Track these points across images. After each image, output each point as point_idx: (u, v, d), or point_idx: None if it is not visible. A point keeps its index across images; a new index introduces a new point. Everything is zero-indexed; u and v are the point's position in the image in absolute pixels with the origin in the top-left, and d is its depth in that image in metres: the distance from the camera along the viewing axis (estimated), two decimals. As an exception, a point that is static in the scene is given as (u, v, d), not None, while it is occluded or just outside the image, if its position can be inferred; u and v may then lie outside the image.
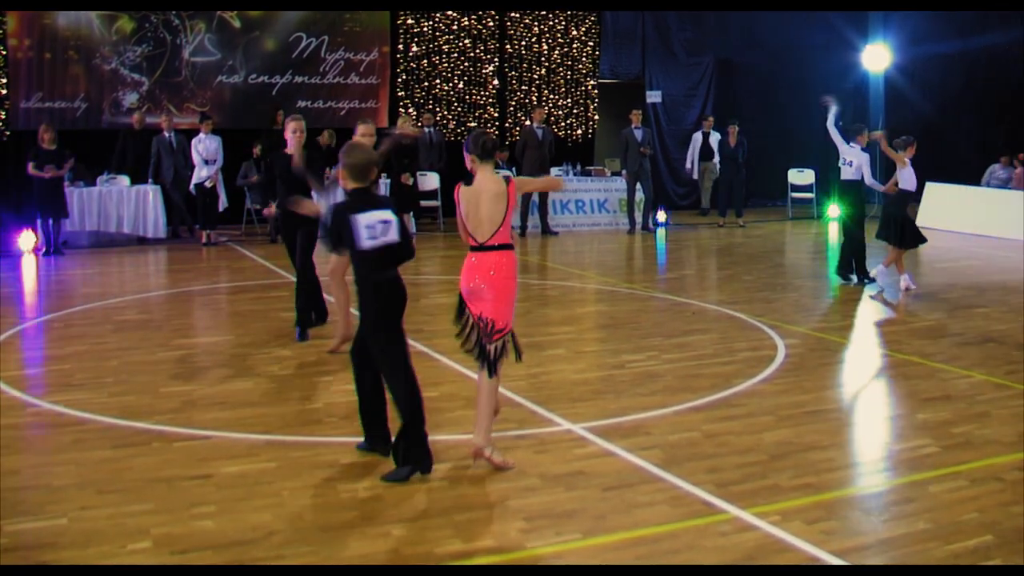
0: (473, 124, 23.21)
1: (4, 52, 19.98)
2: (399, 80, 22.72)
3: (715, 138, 22.99)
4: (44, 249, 17.09)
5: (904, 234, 13.31)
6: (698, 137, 23.52)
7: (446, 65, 23.05)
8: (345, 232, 6.43)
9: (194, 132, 18.90)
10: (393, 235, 6.52)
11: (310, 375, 9.12)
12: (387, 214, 6.53)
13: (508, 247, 6.84)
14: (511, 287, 6.84)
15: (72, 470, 6.62)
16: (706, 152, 23.35)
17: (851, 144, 13.96)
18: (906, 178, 13.24)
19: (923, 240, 13.66)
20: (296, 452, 6.98)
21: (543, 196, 20.47)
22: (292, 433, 7.30)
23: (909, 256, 14.74)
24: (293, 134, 10.04)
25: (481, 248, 6.78)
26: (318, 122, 20.49)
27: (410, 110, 22.44)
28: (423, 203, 19.86)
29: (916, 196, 15.15)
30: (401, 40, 22.69)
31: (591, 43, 24.40)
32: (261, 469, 6.65)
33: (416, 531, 5.65)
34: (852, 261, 14.02)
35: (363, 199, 6.58)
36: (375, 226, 6.45)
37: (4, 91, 20.04)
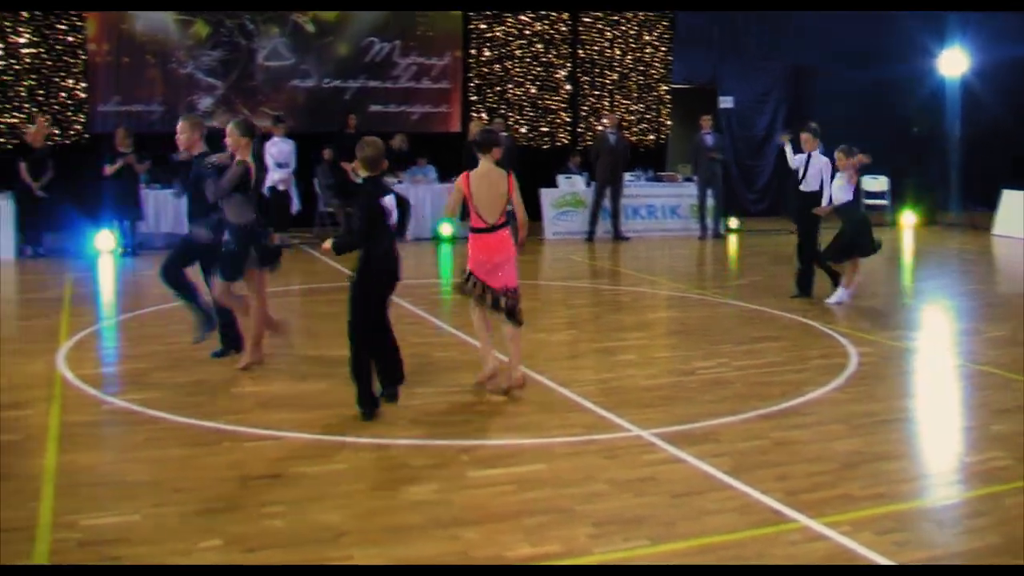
0: (545, 129, 23.24)
1: (84, 57, 20.35)
2: (471, 84, 22.81)
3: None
4: (120, 250, 17.35)
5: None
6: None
7: (518, 70, 23.11)
8: (377, 212, 7.72)
9: (268, 136, 19.09)
10: (395, 214, 7.85)
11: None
12: (391, 198, 7.83)
13: (508, 224, 8.52)
14: (516, 255, 8.60)
15: (146, 467, 6.72)
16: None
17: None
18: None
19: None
20: (366, 454, 7.02)
21: (615, 201, 20.43)
22: (362, 435, 7.34)
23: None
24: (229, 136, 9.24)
25: (492, 228, 8.38)
26: (391, 126, 20.64)
27: (482, 115, 22.50)
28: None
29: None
30: (473, 45, 22.78)
31: (663, 48, 24.32)
32: (331, 470, 6.69)
33: (485, 534, 5.66)
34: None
35: (378, 185, 7.85)
36: (391, 206, 7.79)
37: (84, 95, 20.40)
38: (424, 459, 6.91)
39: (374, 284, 7.95)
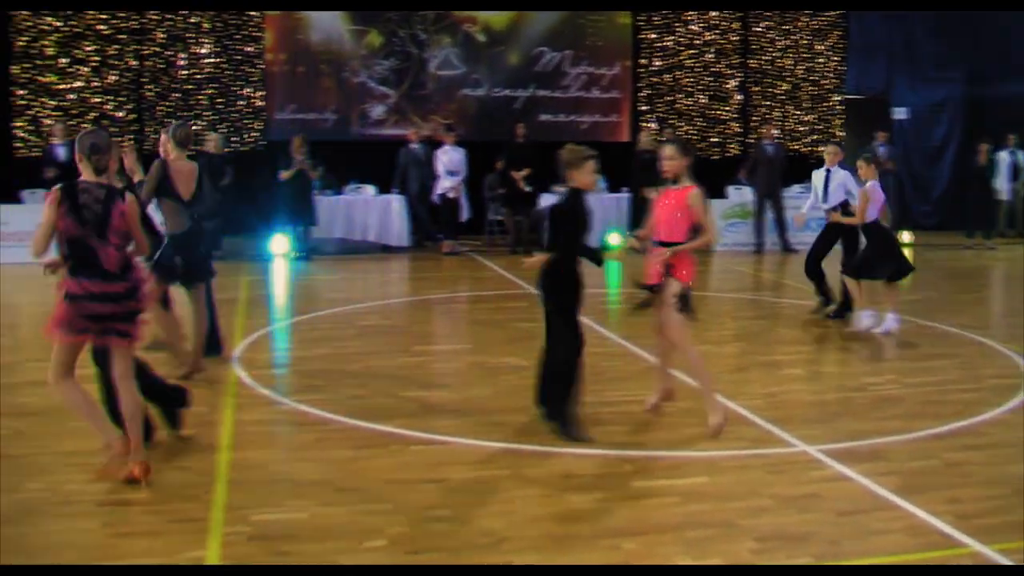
0: (715, 139, 23.04)
1: (262, 66, 20.99)
2: (641, 94, 22.76)
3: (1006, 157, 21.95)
4: (294, 254, 17.81)
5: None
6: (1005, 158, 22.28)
7: (689, 79, 22.97)
8: (582, 220, 7.45)
9: (438, 144, 19.35)
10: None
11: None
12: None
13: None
14: None
15: (314, 467, 6.88)
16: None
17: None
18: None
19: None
20: (529, 461, 7.05)
21: (777, 213, 20.06)
22: (526, 442, 7.37)
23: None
24: (162, 146, 8.84)
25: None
26: (560, 136, 20.68)
27: (651, 124, 22.43)
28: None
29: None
30: (644, 54, 22.73)
31: (836, 57, 23.87)
32: (494, 476, 6.75)
33: (646, 545, 5.63)
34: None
35: (579, 194, 7.50)
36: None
37: (261, 103, 21.03)
38: (588, 468, 6.90)
39: (577, 298, 7.57)
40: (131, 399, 6.56)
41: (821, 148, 22.98)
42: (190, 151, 9.59)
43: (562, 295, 7.49)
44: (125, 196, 6.42)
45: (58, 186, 6.35)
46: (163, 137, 9.26)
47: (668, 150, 7.79)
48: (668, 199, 7.71)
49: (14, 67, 20.33)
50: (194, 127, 20.40)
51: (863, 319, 11.63)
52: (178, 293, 9.53)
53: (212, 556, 5.40)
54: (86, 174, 6.37)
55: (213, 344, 9.87)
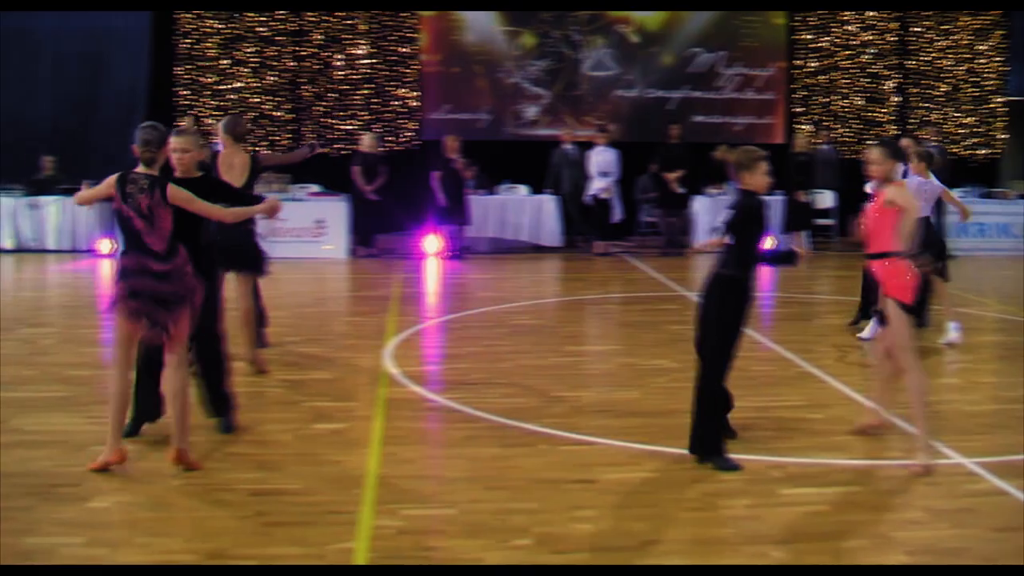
0: (871, 142, 22.51)
1: (417, 67, 21.29)
2: (796, 96, 22.42)
3: None
4: (446, 253, 18.01)
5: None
6: None
7: (845, 81, 22.52)
8: (760, 226, 6.92)
9: (591, 145, 19.35)
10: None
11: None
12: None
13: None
14: None
15: (463, 464, 6.96)
16: None
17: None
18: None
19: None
20: (678, 464, 7.00)
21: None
22: (675, 445, 7.31)
23: None
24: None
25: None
26: (714, 138, 20.48)
27: (806, 127, 22.08)
28: (817, 221, 19.51)
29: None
30: (799, 55, 22.38)
31: (998, 57, 23.13)
32: (642, 478, 6.73)
33: (794, 553, 5.54)
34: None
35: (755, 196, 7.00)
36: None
37: (416, 103, 21.33)
38: (736, 473, 6.81)
39: (744, 314, 6.97)
40: (174, 386, 6.74)
41: (981, 152, 22.49)
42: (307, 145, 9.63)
43: (729, 309, 6.89)
44: (164, 186, 6.62)
45: (116, 174, 6.70)
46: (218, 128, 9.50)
47: (875, 153, 7.40)
48: (874, 205, 7.27)
49: (178, 68, 21.04)
50: (349, 127, 20.86)
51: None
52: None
53: (360, 549, 5.50)
54: (140, 165, 6.70)
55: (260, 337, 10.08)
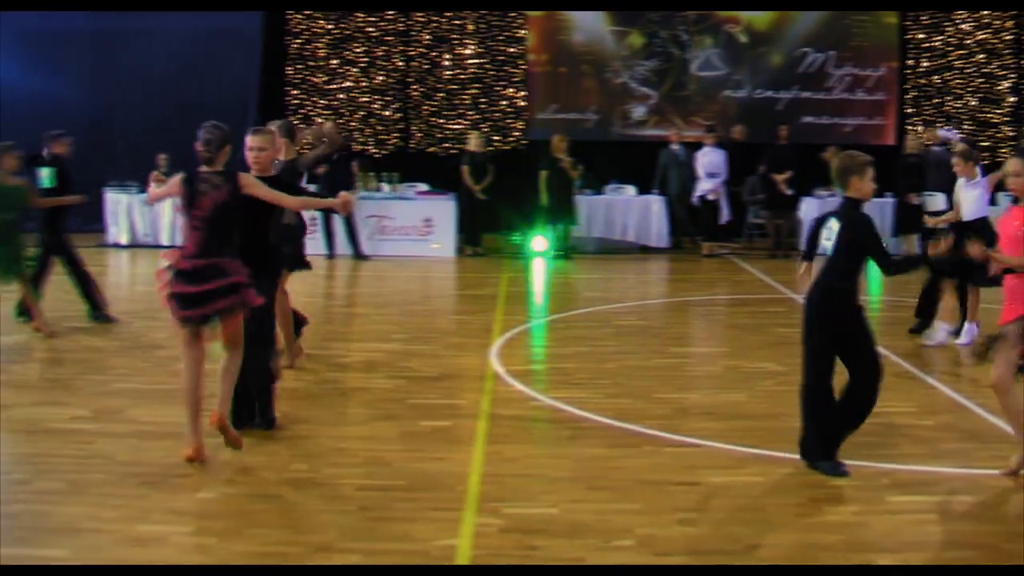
0: (985, 143, 22.04)
1: (524, 66, 21.36)
2: (908, 96, 22.00)
3: None
4: (553, 253, 18.02)
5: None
6: None
7: (958, 81, 22.02)
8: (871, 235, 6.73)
9: (699, 145, 19.21)
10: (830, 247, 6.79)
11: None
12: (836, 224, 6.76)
13: None
14: None
15: (567, 464, 6.97)
16: None
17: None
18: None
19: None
20: (784, 469, 6.93)
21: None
22: (781, 449, 7.24)
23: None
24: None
25: None
26: (823, 139, 20.21)
27: (918, 127, 21.66)
28: (932, 224, 19.11)
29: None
30: (911, 55, 21.95)
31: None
32: (747, 482, 6.67)
33: (901, 562, 5.45)
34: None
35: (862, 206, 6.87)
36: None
37: (523, 103, 21.40)
38: (843, 479, 6.72)
39: (848, 322, 6.82)
40: (229, 362, 6.90)
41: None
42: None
43: (832, 319, 6.76)
44: (236, 178, 6.71)
45: (181, 174, 6.83)
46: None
47: (1015, 164, 6.85)
48: (1012, 219, 6.79)
49: (288, 68, 21.37)
50: (457, 126, 21.02)
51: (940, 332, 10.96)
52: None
53: (464, 546, 5.54)
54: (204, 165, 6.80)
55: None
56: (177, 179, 6.83)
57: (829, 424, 6.88)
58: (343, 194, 7.72)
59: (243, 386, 7.24)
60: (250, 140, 7.16)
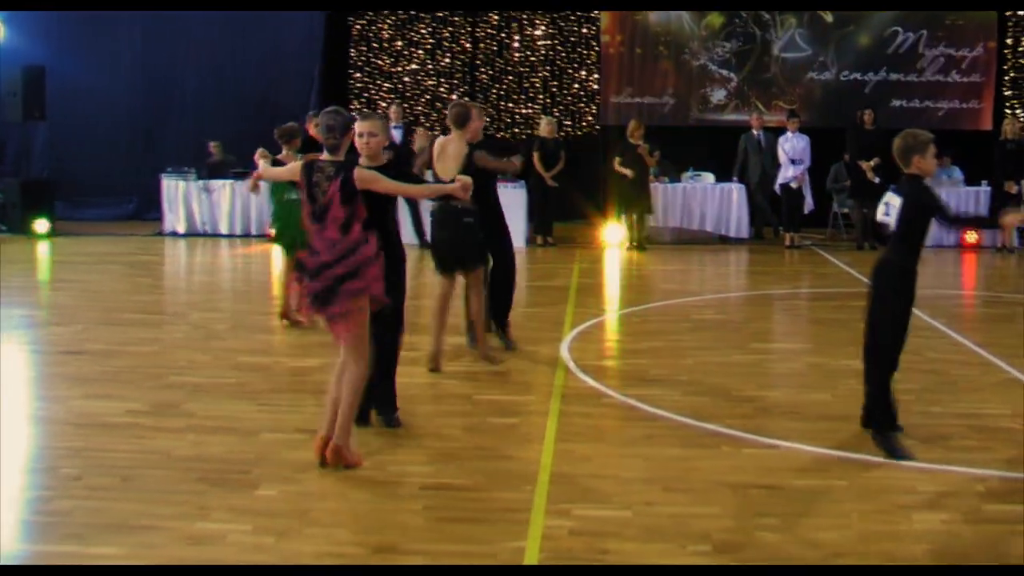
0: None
1: (597, 48, 21.28)
2: (1006, 78, 21.64)
3: None
4: (628, 243, 17.96)
5: None
6: None
7: (1063, 61, 21.64)
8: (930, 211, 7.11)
9: (781, 130, 19.04)
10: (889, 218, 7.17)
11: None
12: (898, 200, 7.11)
13: None
14: None
15: (641, 464, 6.94)
16: None
17: None
18: None
19: None
20: (870, 473, 6.86)
21: None
22: (867, 452, 7.17)
23: None
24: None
25: None
26: (914, 123, 19.83)
27: (1017, 111, 21.31)
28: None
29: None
30: (1010, 34, 21.56)
31: None
32: (831, 486, 6.60)
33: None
34: None
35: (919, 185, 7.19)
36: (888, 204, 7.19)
37: (596, 86, 21.34)
38: (934, 485, 6.65)
39: (911, 304, 7.24)
40: (350, 380, 6.77)
41: None
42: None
43: (900, 297, 7.19)
44: (350, 171, 6.68)
45: (302, 162, 6.86)
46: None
47: None
48: None
49: (352, 50, 21.46)
50: (527, 111, 20.99)
51: None
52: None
53: (532, 549, 5.54)
54: (325, 152, 6.82)
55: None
56: (298, 165, 6.88)
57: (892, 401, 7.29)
58: (460, 177, 7.70)
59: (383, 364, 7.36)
60: (360, 125, 7.12)
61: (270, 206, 11.39)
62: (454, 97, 21.43)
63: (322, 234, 6.65)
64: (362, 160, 7.13)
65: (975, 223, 7.71)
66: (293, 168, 6.96)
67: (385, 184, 6.83)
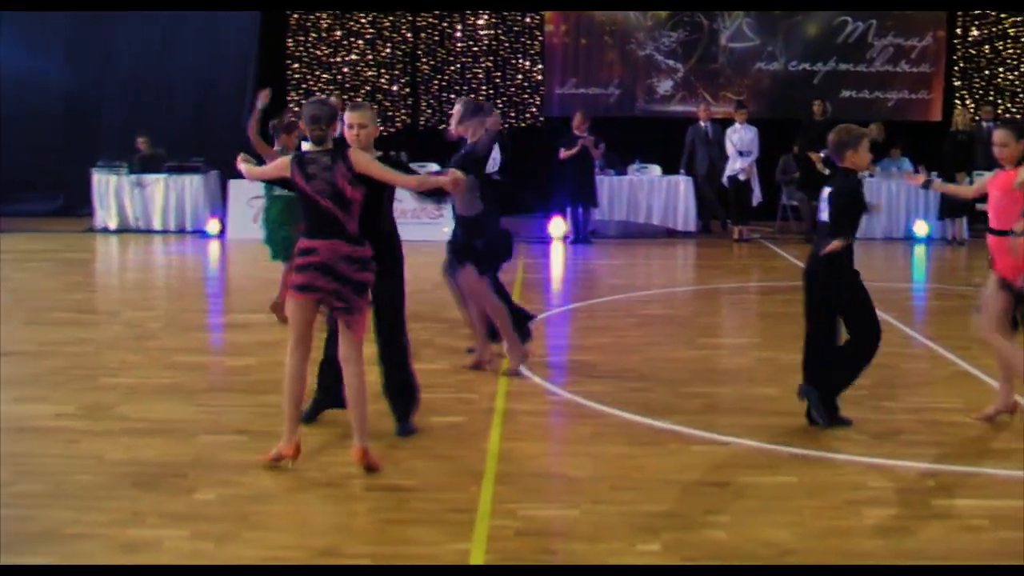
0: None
1: (541, 38, 21.28)
2: (956, 68, 21.85)
3: None
4: (573, 237, 18.00)
5: None
6: None
7: (1012, 51, 21.85)
8: (863, 206, 7.55)
9: (729, 122, 19.14)
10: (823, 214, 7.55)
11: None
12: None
13: None
14: None
15: (588, 462, 6.96)
16: None
17: None
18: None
19: None
20: (820, 469, 6.92)
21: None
22: (817, 448, 7.24)
23: None
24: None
25: None
26: (863, 114, 20.13)
27: (967, 102, 21.55)
28: (978, 206, 19.05)
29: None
30: (960, 23, 21.77)
31: None
32: (781, 483, 6.65)
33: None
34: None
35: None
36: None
37: (540, 77, 21.34)
38: (885, 480, 6.72)
39: (852, 289, 7.65)
40: (352, 381, 6.71)
41: None
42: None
43: (834, 289, 7.57)
44: (345, 156, 6.59)
45: (289, 157, 6.79)
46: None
47: (1000, 134, 7.49)
48: (997, 181, 7.50)
49: (289, 40, 21.33)
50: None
51: None
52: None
53: (477, 550, 5.54)
54: (310, 144, 6.73)
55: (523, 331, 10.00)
56: (284, 161, 6.78)
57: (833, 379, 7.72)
58: (452, 171, 7.62)
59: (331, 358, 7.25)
60: (350, 116, 6.98)
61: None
62: (395, 88, 21.39)
63: (343, 220, 6.56)
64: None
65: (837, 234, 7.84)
66: (280, 164, 6.83)
67: (379, 170, 6.71)
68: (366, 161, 6.66)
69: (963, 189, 8.54)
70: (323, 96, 6.04)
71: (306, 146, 6.69)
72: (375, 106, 21.14)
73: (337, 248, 6.56)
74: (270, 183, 8.78)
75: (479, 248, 8.92)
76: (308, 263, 6.58)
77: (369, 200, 6.77)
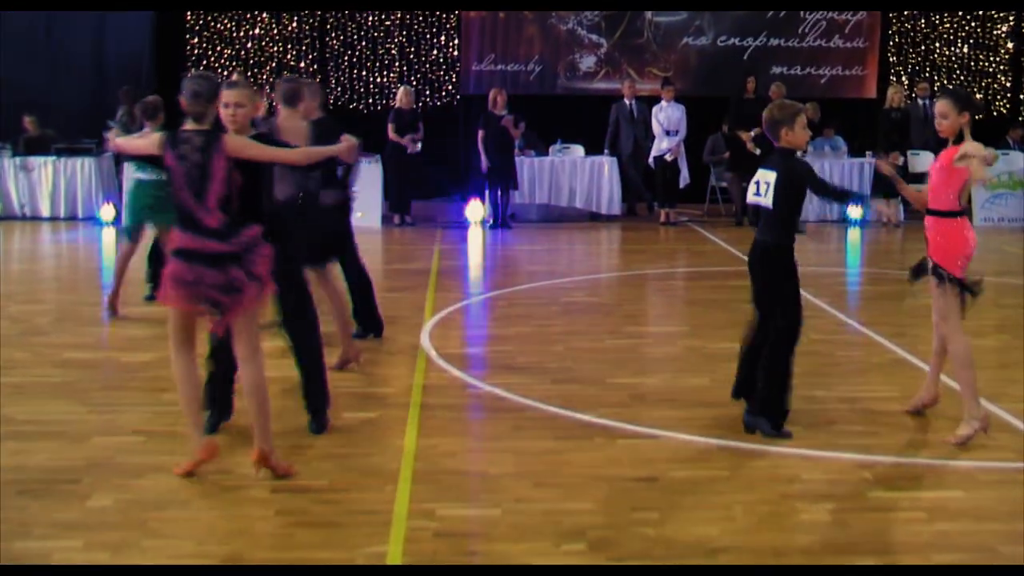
0: (979, 96, 22.22)
1: (457, 12, 21.20)
2: (891, 44, 22.11)
3: None
4: (491, 221, 17.99)
5: None
6: None
7: (948, 26, 22.15)
8: (803, 188, 7.34)
9: (655, 99, 19.19)
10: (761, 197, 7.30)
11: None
12: (771, 175, 7.24)
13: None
14: None
15: (509, 459, 6.96)
16: None
17: None
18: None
19: None
20: (752, 461, 6.98)
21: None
22: (748, 440, 7.30)
23: None
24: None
25: None
26: (795, 91, 20.24)
27: (902, 79, 21.82)
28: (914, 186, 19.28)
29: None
30: (895, -6, 21.99)
31: None
32: (712, 476, 6.71)
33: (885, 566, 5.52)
34: None
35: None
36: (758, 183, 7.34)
37: (456, 52, 21.29)
38: (818, 473, 6.79)
39: (797, 280, 7.47)
40: (250, 380, 6.58)
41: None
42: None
43: (780, 278, 7.39)
44: (220, 139, 6.43)
45: (162, 133, 6.68)
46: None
47: (941, 105, 7.36)
48: (939, 161, 7.42)
49: (189, 14, 21.06)
50: (381, 80, 20.86)
51: None
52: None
53: (394, 552, 5.53)
54: (189, 121, 6.54)
55: (372, 325, 10.07)
56: (157, 137, 6.60)
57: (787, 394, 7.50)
58: (346, 137, 7.47)
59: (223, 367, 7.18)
60: (225, 94, 6.80)
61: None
62: (302, 65, 21.22)
63: (204, 215, 6.38)
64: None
65: (850, 197, 7.86)
66: (153, 140, 6.65)
67: (257, 150, 6.54)
68: (241, 144, 6.51)
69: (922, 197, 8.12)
70: (208, 72, 5.86)
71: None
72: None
73: (202, 245, 6.39)
74: (141, 160, 8.58)
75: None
76: (176, 259, 6.46)
77: (247, 185, 6.55)
